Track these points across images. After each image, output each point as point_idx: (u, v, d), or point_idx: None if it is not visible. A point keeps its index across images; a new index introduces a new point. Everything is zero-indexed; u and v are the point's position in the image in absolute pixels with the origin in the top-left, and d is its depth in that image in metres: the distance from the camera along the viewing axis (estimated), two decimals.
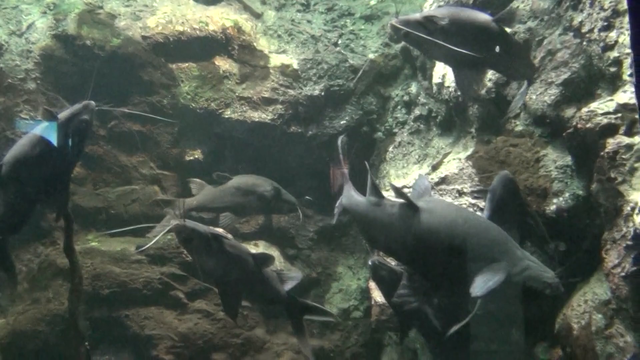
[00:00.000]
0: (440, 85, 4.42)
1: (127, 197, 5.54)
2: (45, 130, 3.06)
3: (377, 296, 4.45)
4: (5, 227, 3.12)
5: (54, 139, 3.02)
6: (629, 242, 2.77)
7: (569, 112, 3.32)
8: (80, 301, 3.38)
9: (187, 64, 5.42)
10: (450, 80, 4.23)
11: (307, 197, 5.49)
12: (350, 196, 3.64)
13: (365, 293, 5.65)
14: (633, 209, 2.71)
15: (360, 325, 5.61)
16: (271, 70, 5.42)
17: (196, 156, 5.61)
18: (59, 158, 3.10)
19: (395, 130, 5.23)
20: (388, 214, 3.18)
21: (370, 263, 3.72)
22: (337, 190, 4.03)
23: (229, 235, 3.62)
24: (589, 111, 2.92)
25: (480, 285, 2.73)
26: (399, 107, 5.30)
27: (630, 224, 2.74)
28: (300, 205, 5.38)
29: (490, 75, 3.81)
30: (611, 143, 2.82)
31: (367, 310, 5.60)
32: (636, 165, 2.75)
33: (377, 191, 3.35)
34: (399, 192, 3.27)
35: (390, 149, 5.14)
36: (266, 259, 3.26)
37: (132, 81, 5.37)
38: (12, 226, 3.20)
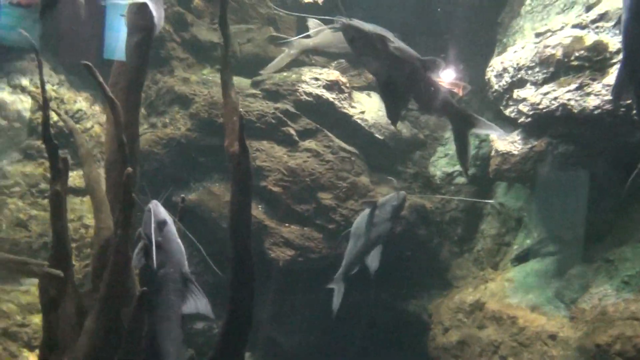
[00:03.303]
0: None
1: (242, 36, 5.49)
2: None
3: (500, 146, 4.27)
4: None
5: None
6: None
7: None
8: (230, 69, 3.33)
9: None
10: None
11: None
12: None
13: (472, 162, 5.49)
14: None
15: (463, 192, 5.50)
16: None
17: None
18: None
19: None
20: None
21: None
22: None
23: None
24: None
25: None
26: None
27: None
28: None
29: None
30: None
31: (471, 177, 5.46)
32: None
33: None
34: None
35: (528, 1, 4.74)
36: (434, 63, 3.02)
37: None
38: None
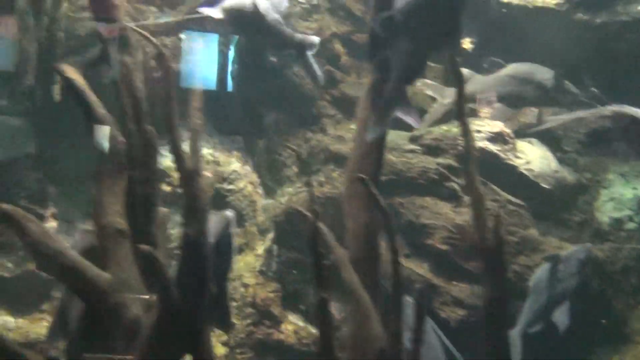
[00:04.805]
0: None
1: None
2: None
3: None
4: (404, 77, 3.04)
5: None
6: None
7: None
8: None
9: None
10: None
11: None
12: None
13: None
14: None
15: (635, 238, 5.13)
16: None
17: (463, 45, 5.31)
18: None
19: None
20: None
21: None
22: None
23: None
24: None
25: None
26: None
27: None
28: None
29: None
30: None
31: None
32: None
33: None
34: None
35: None
36: None
37: None
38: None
